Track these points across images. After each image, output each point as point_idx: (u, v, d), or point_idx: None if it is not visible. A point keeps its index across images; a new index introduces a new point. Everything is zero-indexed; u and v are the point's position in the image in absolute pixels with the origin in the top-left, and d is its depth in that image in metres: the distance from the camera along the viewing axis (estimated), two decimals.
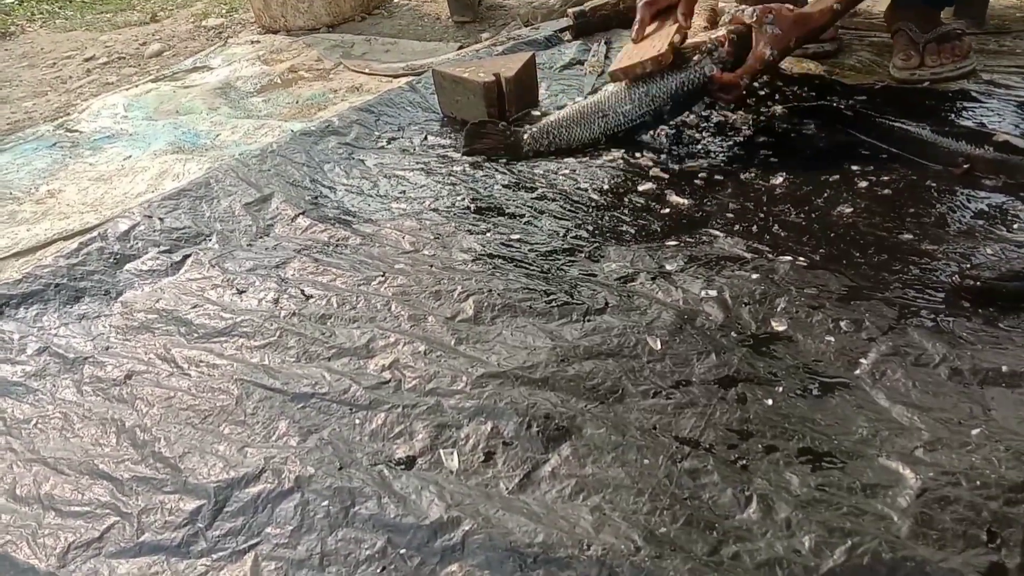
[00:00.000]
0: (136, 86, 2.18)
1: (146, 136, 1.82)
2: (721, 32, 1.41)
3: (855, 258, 1.09)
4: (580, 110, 1.48)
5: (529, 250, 1.18)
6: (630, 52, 1.49)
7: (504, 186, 1.37)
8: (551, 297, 1.07)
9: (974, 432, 0.81)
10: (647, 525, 0.75)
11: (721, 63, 1.38)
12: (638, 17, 1.51)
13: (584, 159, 1.44)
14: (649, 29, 1.51)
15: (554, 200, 1.31)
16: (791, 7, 1.37)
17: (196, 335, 1.08)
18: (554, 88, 1.74)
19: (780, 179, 1.30)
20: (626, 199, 1.30)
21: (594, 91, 1.53)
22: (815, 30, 1.39)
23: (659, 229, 1.21)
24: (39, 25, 3.11)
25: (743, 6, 1.42)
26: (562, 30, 2.05)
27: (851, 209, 1.19)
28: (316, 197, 1.39)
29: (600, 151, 1.46)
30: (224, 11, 2.95)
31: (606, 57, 1.86)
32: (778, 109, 1.54)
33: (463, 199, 1.34)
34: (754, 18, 1.35)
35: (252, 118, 1.87)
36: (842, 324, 0.97)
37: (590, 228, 1.23)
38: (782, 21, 1.34)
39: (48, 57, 2.68)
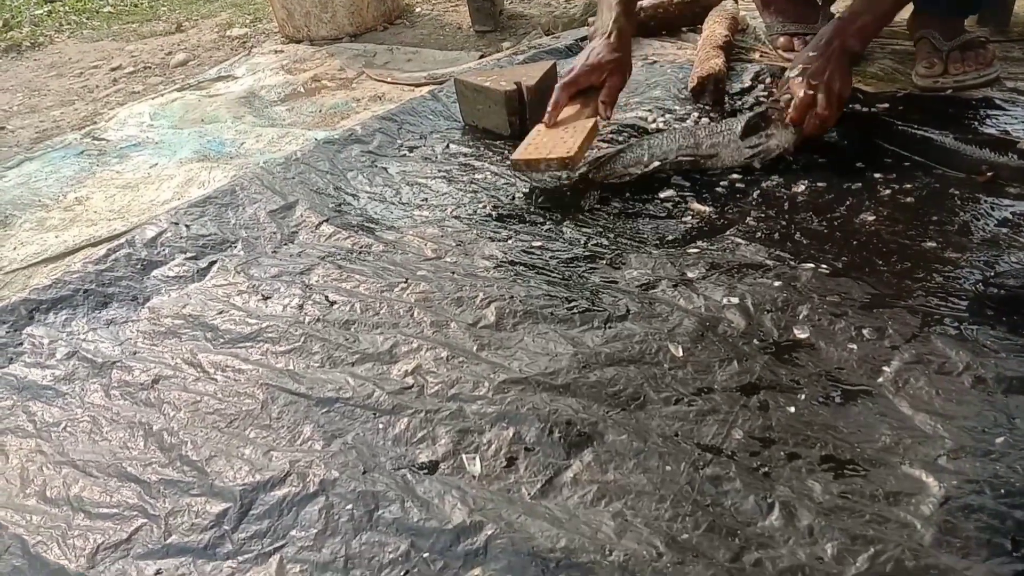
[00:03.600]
0: (162, 95, 2.21)
1: (172, 144, 1.85)
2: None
3: (878, 266, 1.08)
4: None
5: (550, 257, 1.19)
6: (539, 138, 1.39)
7: (525, 194, 1.38)
8: (572, 304, 1.08)
9: (998, 440, 0.80)
10: (669, 531, 0.76)
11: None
12: (553, 98, 1.41)
13: None
14: (565, 112, 1.43)
15: (575, 208, 1.32)
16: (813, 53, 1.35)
17: (222, 340, 1.09)
18: None
19: (802, 187, 1.29)
20: (647, 206, 1.30)
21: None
22: (866, 41, 1.39)
23: (680, 236, 1.21)
24: (67, 36, 3.16)
25: (794, 73, 1.37)
26: (583, 39, 2.06)
27: (874, 217, 1.19)
28: (340, 204, 1.40)
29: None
30: (248, 21, 2.99)
31: None
32: None
33: (484, 207, 1.35)
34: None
35: (276, 127, 1.89)
36: (865, 332, 0.97)
37: (611, 235, 1.23)
38: (823, 69, 1.33)
39: (75, 67, 2.72)
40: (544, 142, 1.37)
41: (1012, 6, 1.80)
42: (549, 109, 1.42)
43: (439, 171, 1.49)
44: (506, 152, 1.53)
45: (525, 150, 1.37)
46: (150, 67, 2.62)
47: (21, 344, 1.13)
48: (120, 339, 1.12)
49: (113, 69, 2.63)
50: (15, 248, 1.46)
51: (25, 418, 1.00)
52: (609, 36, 1.44)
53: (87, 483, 0.89)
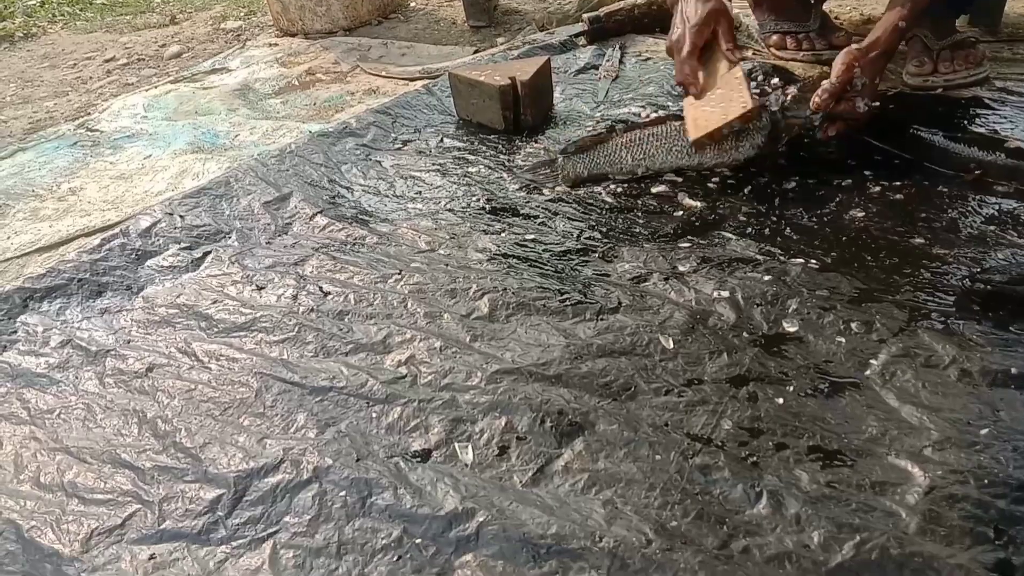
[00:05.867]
0: (156, 87, 2.21)
1: (166, 136, 1.85)
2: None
3: (866, 261, 1.10)
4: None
5: (543, 250, 1.20)
6: (698, 110, 1.37)
7: (518, 188, 1.39)
8: (565, 296, 1.08)
9: (982, 432, 0.82)
10: (658, 519, 0.77)
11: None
12: (686, 72, 1.40)
13: None
14: (700, 76, 1.43)
15: (567, 202, 1.33)
16: (857, 48, 1.32)
17: (216, 330, 1.10)
18: (568, 92, 1.76)
19: (792, 183, 1.31)
20: (639, 201, 1.31)
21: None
22: (889, 55, 1.37)
23: (672, 231, 1.22)
24: (60, 27, 3.15)
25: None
26: (577, 35, 2.07)
27: (863, 213, 1.20)
28: (334, 197, 1.41)
29: None
30: (242, 14, 2.98)
31: (620, 62, 1.87)
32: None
33: (478, 200, 1.36)
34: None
35: (270, 119, 1.90)
36: (853, 325, 0.98)
37: (603, 229, 1.24)
38: (866, 71, 1.31)
39: (69, 58, 2.71)
40: (708, 111, 1.35)
41: (1003, 7, 1.82)
42: (688, 83, 1.41)
43: (433, 164, 1.50)
44: (499, 146, 1.54)
45: (697, 126, 1.34)
46: (144, 59, 2.62)
47: (15, 332, 1.13)
48: (114, 328, 1.13)
49: (107, 60, 2.63)
50: (9, 237, 1.46)
51: (19, 405, 1.00)
52: None
53: (81, 469, 0.90)
